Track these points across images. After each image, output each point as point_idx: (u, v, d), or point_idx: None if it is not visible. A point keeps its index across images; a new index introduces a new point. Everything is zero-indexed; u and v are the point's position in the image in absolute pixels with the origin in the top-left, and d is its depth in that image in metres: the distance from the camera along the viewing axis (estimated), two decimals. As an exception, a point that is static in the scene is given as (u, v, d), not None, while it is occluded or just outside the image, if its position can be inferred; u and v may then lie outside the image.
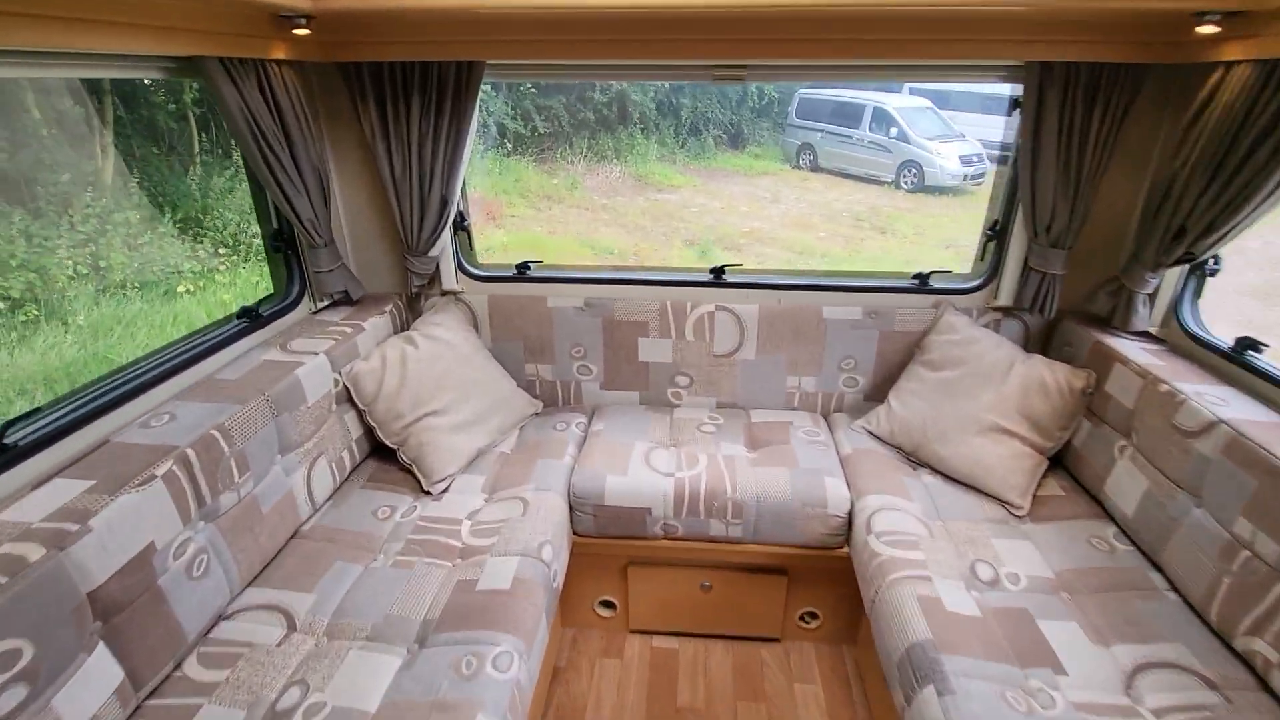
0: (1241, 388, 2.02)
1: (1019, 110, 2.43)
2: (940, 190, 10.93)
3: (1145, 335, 2.41)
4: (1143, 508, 2.05)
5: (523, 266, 2.84)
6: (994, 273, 2.66)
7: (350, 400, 2.39)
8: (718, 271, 2.79)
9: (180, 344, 2.11)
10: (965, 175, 10.97)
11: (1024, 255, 2.56)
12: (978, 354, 2.56)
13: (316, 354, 2.23)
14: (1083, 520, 2.22)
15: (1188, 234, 2.12)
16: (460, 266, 2.80)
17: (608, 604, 2.60)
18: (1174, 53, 2.12)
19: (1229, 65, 1.96)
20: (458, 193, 2.56)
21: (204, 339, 2.17)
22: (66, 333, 5.35)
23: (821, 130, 11.76)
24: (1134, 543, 2.09)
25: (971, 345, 2.58)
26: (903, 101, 11.53)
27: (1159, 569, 1.99)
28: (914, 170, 11.01)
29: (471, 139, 2.50)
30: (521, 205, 9.96)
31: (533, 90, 10.33)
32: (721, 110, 12.21)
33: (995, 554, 2.08)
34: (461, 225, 2.77)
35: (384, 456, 2.52)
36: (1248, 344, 2.10)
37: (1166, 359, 2.22)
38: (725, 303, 2.71)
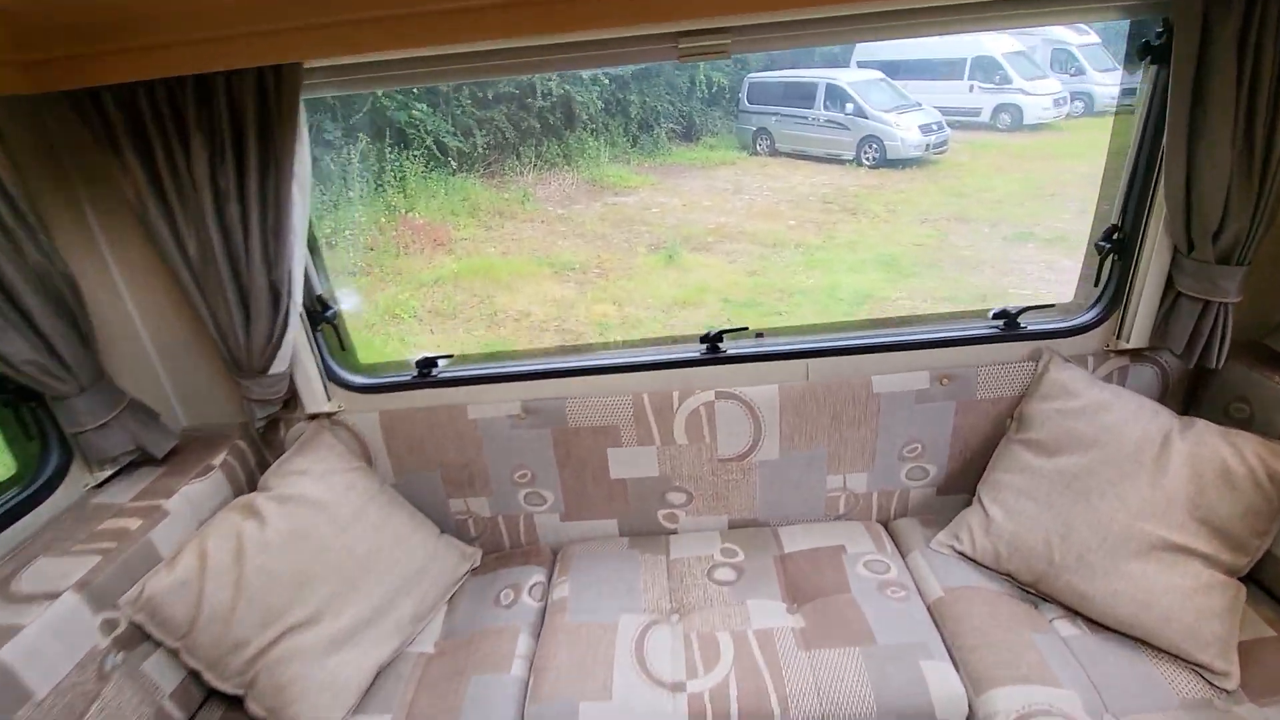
0: None
1: (1152, 63, 1.50)
2: (904, 163, 10.11)
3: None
4: None
5: (426, 365, 1.83)
6: (1116, 302, 1.73)
7: (151, 638, 1.39)
8: (713, 342, 1.81)
9: None
10: (927, 145, 10.17)
11: (1165, 275, 1.64)
12: (1112, 427, 1.64)
13: (58, 594, 1.23)
14: None
15: None
16: (330, 376, 1.79)
17: None
18: None
19: None
20: (298, 274, 1.55)
21: None
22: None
23: (776, 114, 10.88)
24: None
25: (1099, 414, 1.66)
26: (854, 75, 10.69)
27: None
28: (875, 145, 10.18)
29: (307, 188, 1.48)
30: (472, 225, 8.88)
31: (468, 102, 9.22)
32: (671, 103, 11.22)
33: None
34: (324, 317, 1.75)
35: (230, 704, 1.52)
36: None
37: None
38: (729, 386, 1.75)
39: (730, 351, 1.78)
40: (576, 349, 1.89)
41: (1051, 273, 6.92)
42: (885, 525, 1.90)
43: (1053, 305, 1.79)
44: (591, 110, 10.76)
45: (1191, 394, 1.78)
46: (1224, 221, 1.47)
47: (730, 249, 8.00)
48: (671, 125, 11.20)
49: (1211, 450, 1.56)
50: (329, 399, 1.76)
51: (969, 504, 1.82)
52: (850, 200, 9.33)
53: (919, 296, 6.78)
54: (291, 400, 1.74)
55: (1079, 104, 11.25)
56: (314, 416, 1.77)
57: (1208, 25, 1.34)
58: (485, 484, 1.83)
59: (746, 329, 1.81)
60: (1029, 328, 1.78)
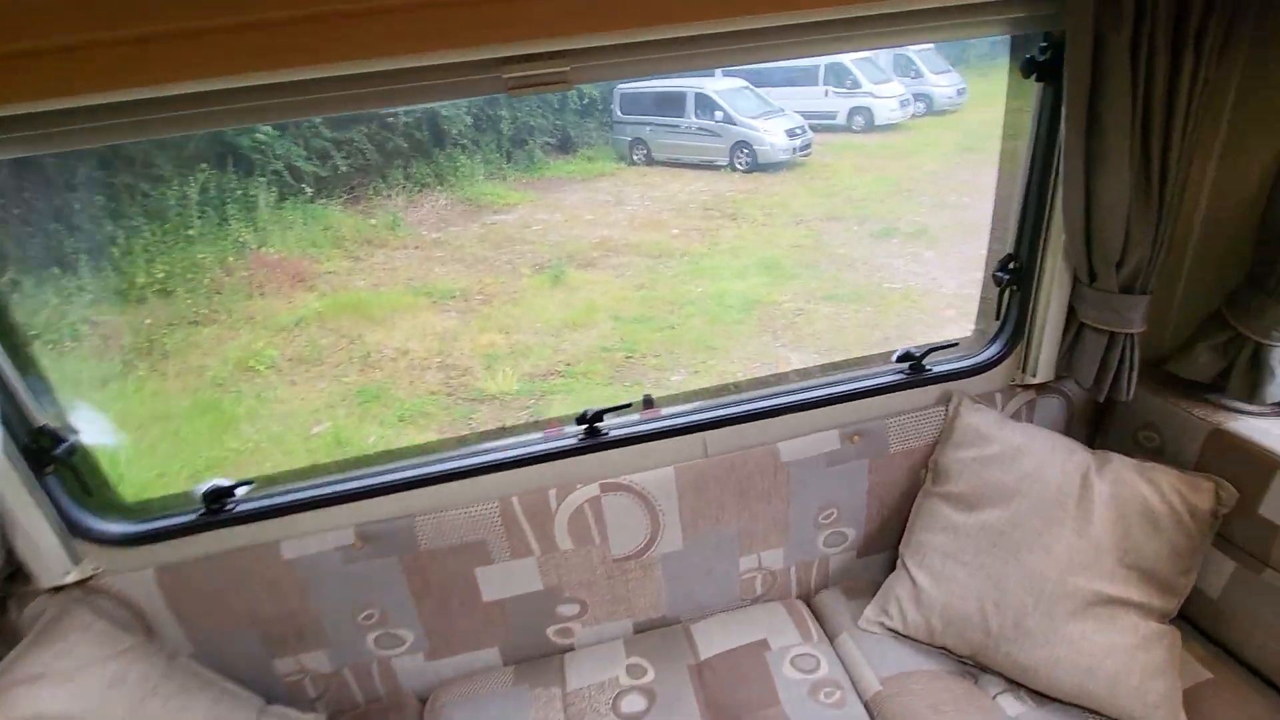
0: None
1: (1039, 80, 1.35)
2: (775, 167, 10.35)
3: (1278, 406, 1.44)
4: None
5: (218, 497, 1.36)
6: (1018, 335, 1.58)
7: None
8: (591, 424, 1.48)
9: None
10: (794, 149, 10.48)
11: (1066, 306, 1.50)
12: (1031, 474, 1.48)
13: None
14: None
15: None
16: (76, 531, 1.29)
17: None
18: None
19: None
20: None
21: None
22: None
23: (649, 123, 10.83)
24: None
25: (1017, 460, 1.50)
26: (720, 84, 10.84)
27: None
28: (746, 150, 10.37)
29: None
30: (337, 257, 8.05)
31: (319, 122, 8.38)
32: (544, 116, 10.85)
33: None
34: (55, 456, 1.25)
35: None
36: None
37: None
38: (616, 475, 1.44)
39: (613, 434, 1.46)
40: (422, 450, 1.50)
41: (917, 264, 7.22)
42: (807, 602, 1.66)
43: (956, 344, 1.62)
44: (461, 126, 10.18)
45: (1098, 422, 1.68)
46: (1126, 249, 1.34)
47: (617, 263, 7.75)
48: (546, 139, 10.84)
49: (1131, 489, 1.43)
50: (75, 562, 1.26)
51: (892, 562, 1.62)
52: (729, 206, 9.37)
53: (803, 297, 6.84)
54: (16, 575, 1.23)
55: (921, 104, 12.02)
56: (59, 589, 1.26)
57: (1100, 39, 1.19)
58: (319, 635, 1.40)
59: (629, 405, 1.50)
60: (934, 370, 1.59)
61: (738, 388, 1.60)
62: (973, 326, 1.69)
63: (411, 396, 5.45)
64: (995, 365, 1.60)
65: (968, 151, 10.40)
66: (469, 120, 10.04)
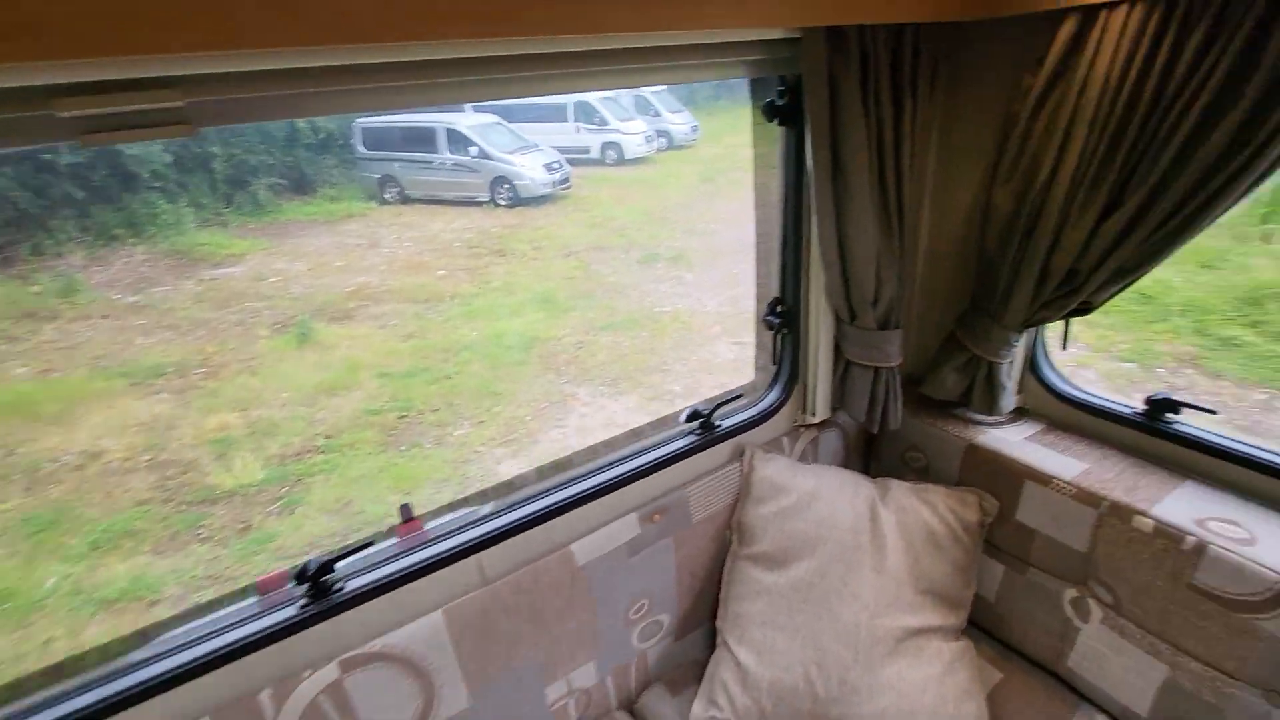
0: (1203, 479, 1.27)
1: (782, 124, 1.30)
2: (538, 201, 10.32)
3: (1015, 413, 1.57)
4: (1168, 704, 1.19)
5: None
6: (795, 377, 1.54)
7: None
8: (315, 578, 1.05)
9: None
10: (554, 182, 10.57)
11: (833, 344, 1.49)
12: (827, 518, 1.43)
13: None
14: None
15: (1085, 278, 1.25)
16: None
17: None
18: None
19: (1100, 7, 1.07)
20: None
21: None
22: None
23: (398, 159, 10.11)
24: None
25: (813, 506, 1.44)
26: (472, 120, 10.57)
27: None
28: (506, 185, 10.19)
29: None
30: (-24, 340, 6.05)
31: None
32: (269, 153, 9.48)
33: None
34: None
35: None
36: (1165, 406, 1.36)
37: (1078, 452, 1.38)
38: (361, 645, 1.05)
39: (351, 587, 1.07)
40: (78, 665, 0.95)
41: (681, 287, 7.62)
42: (630, 710, 1.43)
43: (740, 395, 1.52)
44: (157, 166, 8.43)
45: (869, 447, 1.72)
46: (879, 288, 1.35)
47: (378, 312, 6.96)
48: (275, 179, 9.47)
49: (914, 515, 1.45)
50: None
51: (711, 636, 1.47)
52: (496, 242, 9.04)
53: (582, 329, 6.78)
54: None
55: (663, 140, 13.01)
56: None
57: (834, 83, 1.16)
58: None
59: (371, 542, 1.12)
60: (725, 425, 1.48)
61: (512, 486, 1.31)
62: (754, 374, 1.62)
63: (110, 514, 4.19)
64: (779, 410, 1.54)
65: (707, 182, 11.44)
66: (168, 159, 8.36)
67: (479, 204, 10.18)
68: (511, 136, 10.77)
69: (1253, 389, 3.83)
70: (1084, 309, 1.29)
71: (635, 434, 1.49)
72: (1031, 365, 1.53)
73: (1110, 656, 1.29)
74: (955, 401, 1.54)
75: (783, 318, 1.48)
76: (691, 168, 12.29)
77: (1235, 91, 0.96)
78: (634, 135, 12.27)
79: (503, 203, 10.13)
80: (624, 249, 8.69)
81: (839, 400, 1.55)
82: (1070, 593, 1.34)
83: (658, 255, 8.46)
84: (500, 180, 10.14)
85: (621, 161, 12.21)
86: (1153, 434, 1.35)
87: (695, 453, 1.42)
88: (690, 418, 1.46)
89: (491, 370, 6.05)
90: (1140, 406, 1.38)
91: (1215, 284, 4.53)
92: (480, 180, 10.17)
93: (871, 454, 1.72)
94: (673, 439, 1.43)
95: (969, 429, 1.50)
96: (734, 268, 7.66)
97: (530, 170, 10.19)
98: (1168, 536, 1.16)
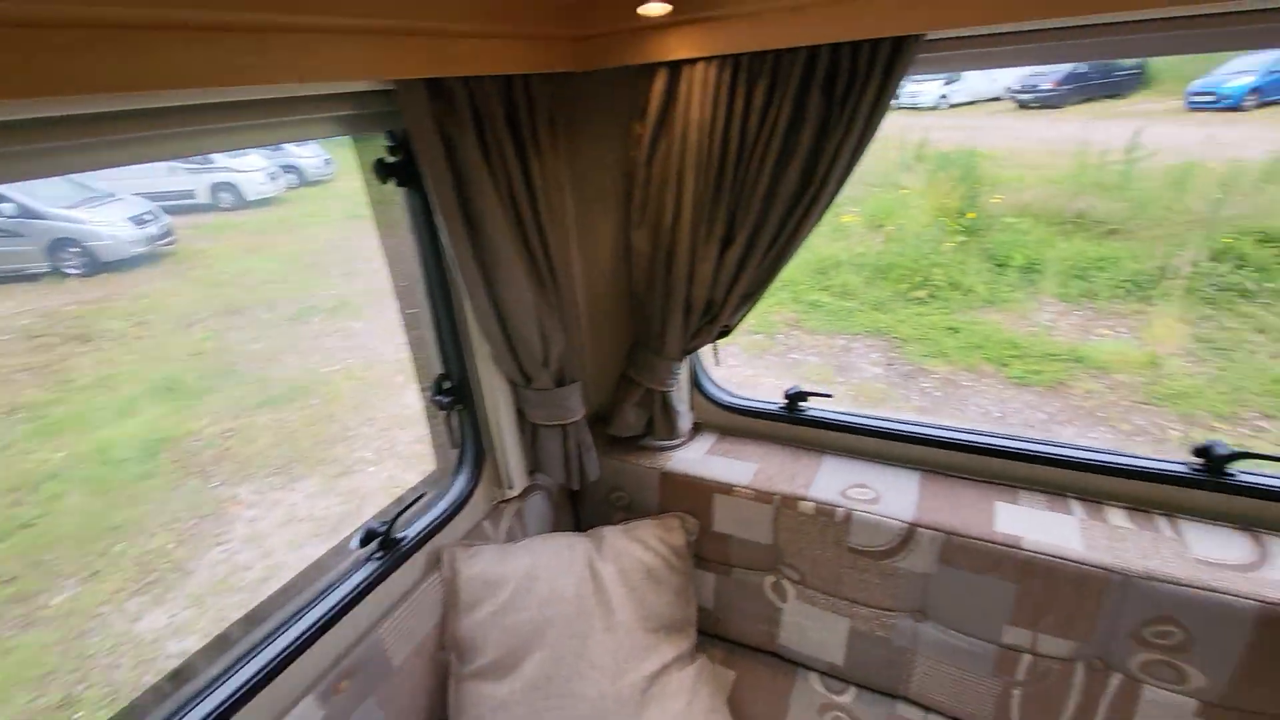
0: (836, 452, 1.51)
1: (400, 185, 1.11)
2: (129, 264, 8.15)
3: (693, 429, 1.65)
4: (856, 648, 1.40)
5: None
6: (483, 453, 1.37)
7: None
8: None
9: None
10: (149, 238, 8.44)
11: (515, 409, 1.36)
12: (549, 597, 1.31)
13: None
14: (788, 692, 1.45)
15: (721, 306, 1.35)
16: None
17: None
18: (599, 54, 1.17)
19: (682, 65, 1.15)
20: None
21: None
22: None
23: None
24: (863, 686, 1.45)
25: (532, 589, 1.31)
26: None
27: (910, 701, 1.40)
28: (74, 249, 7.78)
29: None
30: None
31: None
32: None
33: None
34: None
35: None
36: (799, 397, 1.58)
37: (747, 454, 1.53)
38: None
39: None
40: None
41: (349, 339, 6.82)
42: None
43: (422, 495, 1.29)
44: None
45: (575, 499, 1.66)
46: (547, 347, 1.26)
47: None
48: None
49: (630, 558, 1.43)
50: None
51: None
52: (73, 324, 6.81)
53: (229, 414, 5.56)
54: None
55: (293, 176, 11.45)
56: None
57: (448, 138, 1.01)
58: None
59: None
60: (410, 534, 1.24)
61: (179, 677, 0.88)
62: (434, 464, 1.40)
63: None
64: (472, 495, 1.36)
65: (356, 219, 10.47)
66: None
67: (34, 277, 7.58)
68: (73, 186, 8.26)
69: (835, 337, 4.99)
70: (725, 332, 1.41)
71: (312, 569, 1.15)
72: (696, 383, 1.64)
73: (807, 625, 1.45)
74: (641, 434, 1.57)
75: (453, 394, 1.31)
76: (335, 204, 11.12)
77: (797, 135, 1.12)
78: (252, 173, 10.53)
79: (73, 271, 7.71)
80: (266, 307, 7.40)
81: (534, 463, 1.44)
82: (769, 580, 1.47)
83: (314, 308, 7.42)
84: (63, 243, 7.68)
85: (243, 205, 10.38)
86: (794, 422, 1.56)
87: (379, 582, 1.15)
88: (364, 540, 1.18)
89: (100, 498, 4.54)
90: (782, 401, 1.58)
91: (797, 262, 5.82)
92: (30, 247, 7.58)
93: (578, 504, 1.66)
94: (346, 575, 1.13)
95: (659, 457, 1.54)
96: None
97: (109, 226, 7.94)
98: (825, 514, 1.33)
